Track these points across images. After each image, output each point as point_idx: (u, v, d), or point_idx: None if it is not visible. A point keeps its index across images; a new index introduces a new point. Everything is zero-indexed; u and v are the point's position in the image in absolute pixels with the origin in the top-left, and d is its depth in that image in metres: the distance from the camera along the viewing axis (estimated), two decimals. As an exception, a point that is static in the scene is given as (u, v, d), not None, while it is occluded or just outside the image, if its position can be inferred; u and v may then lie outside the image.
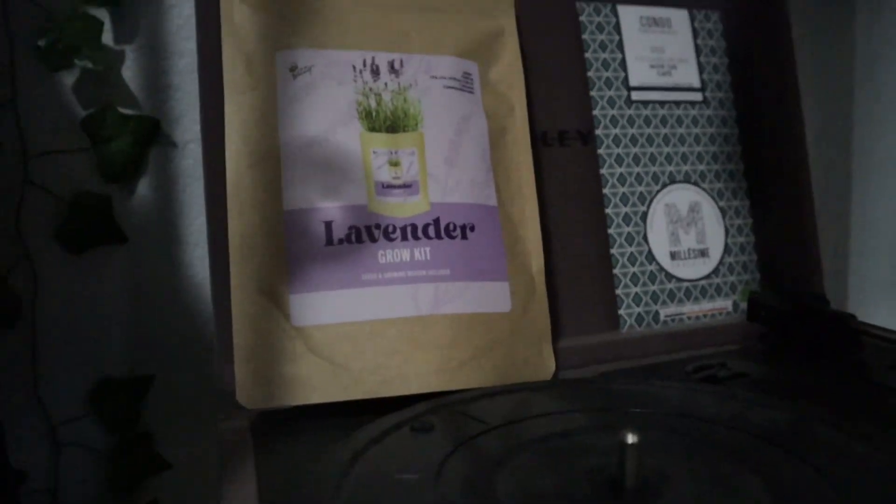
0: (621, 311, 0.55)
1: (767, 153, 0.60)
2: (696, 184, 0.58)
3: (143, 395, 0.56)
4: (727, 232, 0.58)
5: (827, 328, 0.47)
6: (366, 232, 0.41)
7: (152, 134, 0.54)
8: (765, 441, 0.32)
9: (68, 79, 0.53)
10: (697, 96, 0.59)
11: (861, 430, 0.33)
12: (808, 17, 0.70)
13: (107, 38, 0.53)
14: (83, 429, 0.56)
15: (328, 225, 0.41)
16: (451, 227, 0.43)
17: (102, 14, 0.52)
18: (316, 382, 0.39)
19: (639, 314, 0.55)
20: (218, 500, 0.43)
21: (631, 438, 0.28)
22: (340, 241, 0.41)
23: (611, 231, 0.55)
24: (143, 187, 0.55)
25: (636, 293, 0.55)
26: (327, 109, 0.43)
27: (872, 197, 0.77)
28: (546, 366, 0.45)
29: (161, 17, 0.54)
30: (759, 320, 0.50)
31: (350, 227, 0.41)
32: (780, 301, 0.49)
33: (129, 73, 0.54)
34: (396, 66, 0.45)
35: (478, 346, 0.42)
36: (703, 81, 0.59)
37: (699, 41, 0.60)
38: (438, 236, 0.43)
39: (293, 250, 0.41)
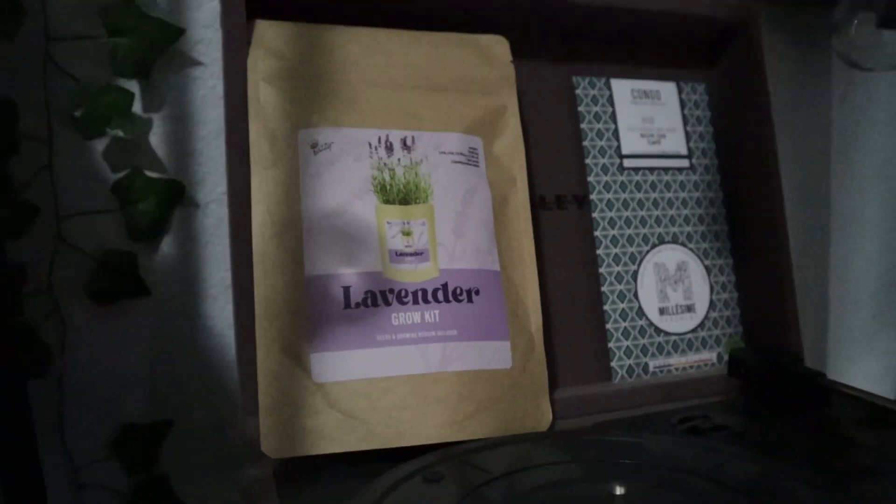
0: (613, 364, 0.58)
1: (749, 215, 0.64)
2: (683, 244, 0.62)
3: (161, 440, 0.60)
4: (712, 289, 0.63)
5: (799, 385, 0.51)
6: (381, 296, 0.45)
7: (177, 196, 0.58)
8: (741, 493, 0.36)
9: (100, 145, 0.57)
10: (685, 163, 0.63)
11: (827, 484, 0.37)
12: (789, 87, 0.75)
13: (136, 107, 0.57)
14: (104, 471, 0.59)
15: (346, 289, 0.45)
16: (458, 291, 0.47)
17: (132, 86, 0.57)
18: (334, 434, 0.43)
19: (629, 366, 0.59)
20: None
21: (619, 490, 0.32)
22: (357, 305, 0.45)
23: (604, 289, 0.59)
24: (167, 245, 0.59)
25: (627, 346, 0.59)
26: (346, 183, 0.47)
27: (850, 253, 0.82)
28: (544, 417, 0.49)
29: (186, 89, 0.58)
30: (738, 376, 0.55)
31: (366, 292, 0.45)
32: (757, 359, 0.54)
33: (156, 139, 0.58)
34: (408, 142, 0.49)
35: (482, 401, 0.46)
36: (689, 149, 0.64)
37: (686, 111, 0.64)
38: (447, 300, 0.47)
39: (314, 313, 0.44)
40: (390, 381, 0.44)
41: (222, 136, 0.58)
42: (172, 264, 0.59)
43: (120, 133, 0.55)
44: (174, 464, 0.60)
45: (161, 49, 0.56)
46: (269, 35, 0.49)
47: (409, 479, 0.38)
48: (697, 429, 0.48)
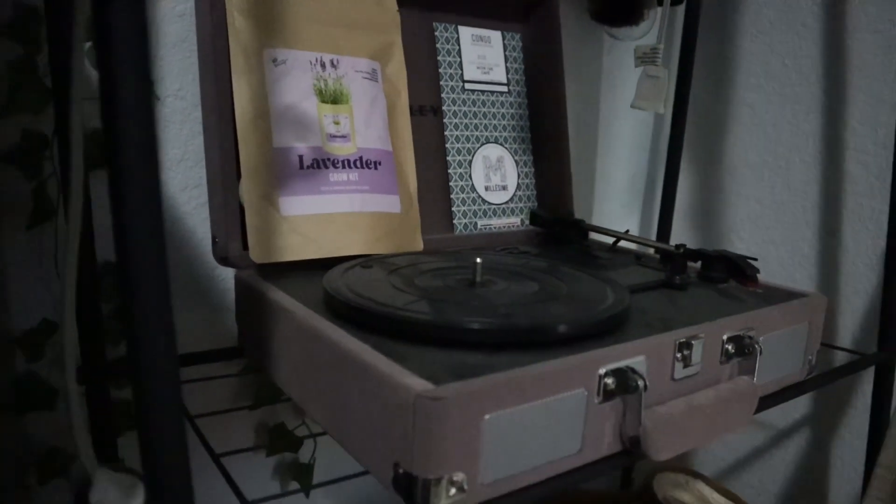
0: (455, 221, 0.87)
1: (545, 126, 0.95)
2: (501, 144, 0.92)
3: (126, 274, 0.80)
4: (519, 175, 0.93)
5: (570, 228, 0.83)
6: (322, 163, 0.70)
7: (146, 90, 0.78)
8: (538, 271, 0.66)
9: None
10: (504, 89, 0.92)
11: (582, 269, 0.68)
12: (575, 41, 1.06)
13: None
14: (85, 297, 0.79)
15: (300, 157, 0.69)
16: (368, 161, 0.73)
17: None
18: (295, 248, 0.68)
19: (465, 223, 0.88)
20: (253, 308, 0.70)
21: (479, 259, 0.61)
22: (308, 167, 0.70)
23: (449, 171, 0.87)
24: (135, 127, 0.79)
25: (464, 210, 0.88)
26: (296, 88, 0.71)
27: (610, 159, 1.17)
28: (419, 244, 0.77)
29: (152, 9, 0.78)
30: (535, 224, 0.86)
31: (313, 160, 0.70)
32: (546, 213, 0.85)
33: (128, 46, 0.77)
34: (335, 63, 0.73)
35: (384, 231, 0.73)
36: (508, 79, 0.93)
37: (507, 53, 0.93)
38: (361, 167, 0.73)
39: (281, 171, 0.69)
40: (330, 216, 0.70)
41: (178, 46, 0.79)
42: (138, 142, 0.79)
43: (104, 40, 0.74)
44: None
45: (138, -21, 0.75)
46: (238, -20, 0.70)
47: (352, 268, 0.65)
48: (511, 252, 0.78)
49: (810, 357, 0.68)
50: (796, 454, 1.02)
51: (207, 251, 0.85)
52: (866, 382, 0.93)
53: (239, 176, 0.69)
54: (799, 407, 1.01)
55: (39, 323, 0.76)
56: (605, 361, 0.49)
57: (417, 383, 0.43)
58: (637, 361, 0.51)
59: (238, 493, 0.49)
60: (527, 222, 0.92)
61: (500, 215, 0.91)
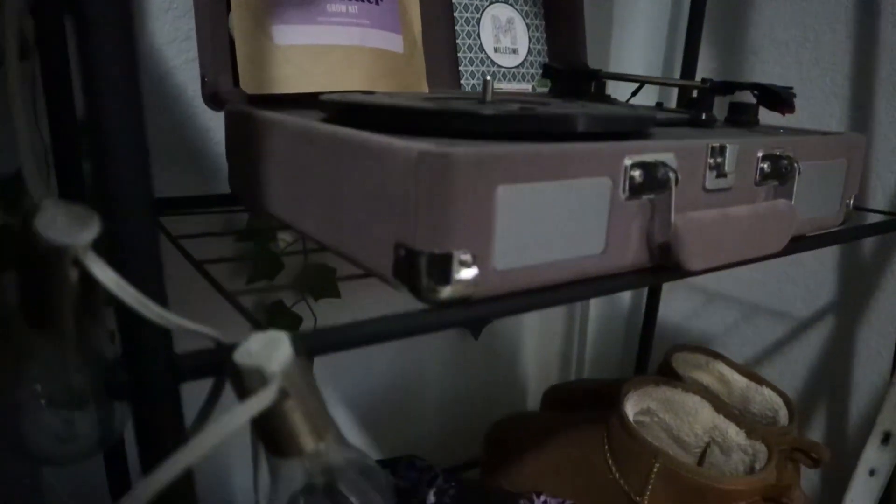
0: (462, 81, 0.82)
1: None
2: (511, 4, 0.86)
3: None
4: (530, 39, 0.87)
5: (586, 78, 0.77)
6: (319, -10, 0.65)
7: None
8: (553, 101, 0.61)
9: None
10: (515, -56, 0.86)
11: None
12: None
13: None
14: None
15: (295, -17, 0.64)
16: (370, -5, 0.67)
17: None
18: (289, 80, 0.63)
19: (473, 84, 0.82)
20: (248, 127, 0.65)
21: (489, 77, 0.55)
22: (304, -6, 0.64)
23: (457, 28, 0.81)
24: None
25: (472, 71, 0.82)
26: None
27: (627, 27, 1.10)
28: (424, 89, 0.72)
29: None
30: (549, 77, 0.80)
31: (309, -13, 0.64)
32: (560, 64, 0.79)
33: None
34: None
35: (386, 69, 0.67)
36: (519, -66, 0.86)
37: None
38: (361, 0, 0.67)
39: (274, -3, 0.63)
40: (326, 48, 0.64)
41: None
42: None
43: None
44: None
45: None
46: None
47: (352, 93, 0.59)
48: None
49: (848, 201, 0.63)
50: (819, 345, 0.97)
51: (199, 111, 0.80)
52: (895, 262, 0.88)
53: (229, 8, 0.63)
54: (822, 294, 0.96)
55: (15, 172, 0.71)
56: (632, 152, 0.44)
57: (420, 145, 0.38)
58: (667, 158, 0.46)
59: (219, 288, 0.44)
60: (538, 89, 0.86)
61: (510, 80, 0.85)
